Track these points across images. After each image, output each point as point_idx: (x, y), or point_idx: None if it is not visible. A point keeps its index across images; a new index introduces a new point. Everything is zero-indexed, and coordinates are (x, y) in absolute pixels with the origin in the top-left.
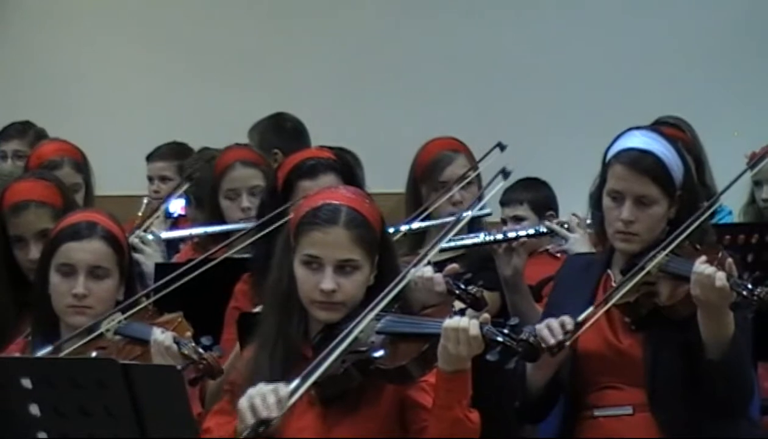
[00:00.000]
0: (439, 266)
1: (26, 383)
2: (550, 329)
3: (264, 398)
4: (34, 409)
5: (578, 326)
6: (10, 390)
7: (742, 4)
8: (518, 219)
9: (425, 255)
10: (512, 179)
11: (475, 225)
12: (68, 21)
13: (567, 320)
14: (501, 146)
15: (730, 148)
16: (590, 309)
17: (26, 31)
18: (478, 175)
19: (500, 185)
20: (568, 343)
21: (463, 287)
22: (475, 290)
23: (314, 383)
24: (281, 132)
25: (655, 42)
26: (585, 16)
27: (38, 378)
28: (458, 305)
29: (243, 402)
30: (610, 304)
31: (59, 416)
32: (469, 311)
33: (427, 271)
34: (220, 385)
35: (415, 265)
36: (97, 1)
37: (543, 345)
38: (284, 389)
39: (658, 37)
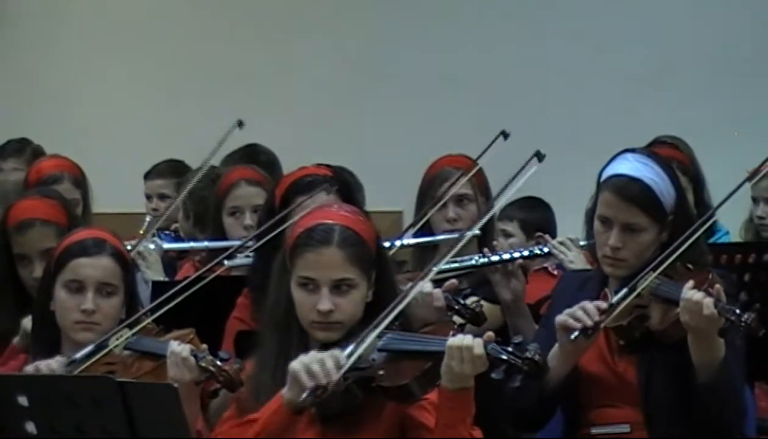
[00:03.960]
0: (438, 281)
1: (23, 400)
2: (585, 311)
3: (322, 363)
4: (31, 427)
5: (612, 307)
6: (7, 407)
7: (738, 22)
8: (505, 234)
9: (428, 273)
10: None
11: (486, 244)
12: (66, 41)
13: (600, 302)
14: (504, 134)
15: (729, 167)
16: (624, 291)
17: (24, 51)
18: (477, 196)
19: (534, 169)
20: (603, 324)
21: (462, 302)
22: (474, 305)
23: (317, 403)
24: (255, 164)
25: (654, 61)
26: (584, 36)
27: (35, 396)
28: (457, 320)
29: (297, 367)
30: (636, 293)
31: (55, 434)
32: (469, 326)
33: (427, 286)
34: (222, 402)
35: (419, 281)
36: (94, 21)
37: (579, 326)
38: (341, 353)
39: (657, 55)
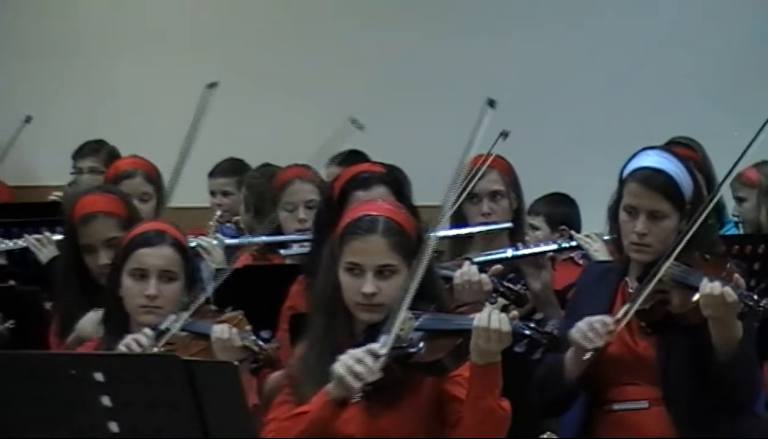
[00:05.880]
0: (482, 268)
1: (99, 376)
2: (595, 332)
3: (362, 362)
4: (106, 401)
5: (617, 322)
6: (84, 382)
7: (747, 30)
8: (533, 228)
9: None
10: (537, 193)
11: (517, 235)
12: (135, 46)
13: (606, 318)
14: (491, 103)
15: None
16: (626, 306)
17: (99, 60)
18: (510, 192)
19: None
20: (609, 339)
21: (506, 285)
22: (518, 287)
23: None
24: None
25: (668, 67)
26: (605, 47)
27: (109, 372)
28: (501, 301)
29: (341, 370)
30: (636, 304)
31: (129, 409)
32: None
33: (474, 273)
34: (278, 380)
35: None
36: (161, 27)
37: (591, 347)
38: (376, 346)
39: (671, 62)
